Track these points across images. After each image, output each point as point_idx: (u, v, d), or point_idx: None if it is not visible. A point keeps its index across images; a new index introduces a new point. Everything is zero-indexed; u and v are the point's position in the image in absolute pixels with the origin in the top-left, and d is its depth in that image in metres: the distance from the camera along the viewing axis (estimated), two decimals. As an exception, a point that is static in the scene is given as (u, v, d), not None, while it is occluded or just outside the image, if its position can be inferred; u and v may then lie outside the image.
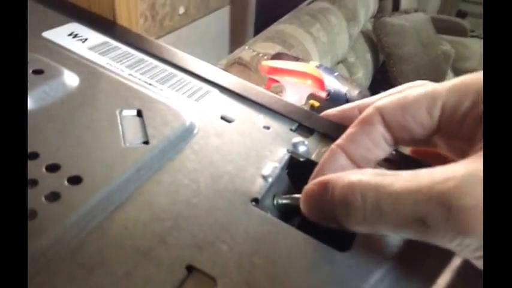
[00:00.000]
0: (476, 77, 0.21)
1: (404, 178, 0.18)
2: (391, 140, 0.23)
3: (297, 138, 0.28)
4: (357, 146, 0.22)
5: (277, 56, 0.75)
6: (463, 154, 0.20)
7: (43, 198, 0.19)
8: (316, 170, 0.23)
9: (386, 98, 0.23)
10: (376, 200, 0.18)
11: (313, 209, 0.21)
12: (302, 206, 0.22)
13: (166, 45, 0.34)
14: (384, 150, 0.23)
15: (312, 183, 0.21)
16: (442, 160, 0.22)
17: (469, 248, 0.17)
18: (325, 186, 0.20)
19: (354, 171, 0.20)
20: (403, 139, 0.23)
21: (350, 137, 0.23)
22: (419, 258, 0.22)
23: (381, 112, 0.22)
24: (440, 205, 0.17)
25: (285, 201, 0.25)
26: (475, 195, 0.16)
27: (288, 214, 0.25)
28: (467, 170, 0.17)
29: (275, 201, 0.25)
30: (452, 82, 0.21)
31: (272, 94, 0.32)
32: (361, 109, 0.27)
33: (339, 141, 0.23)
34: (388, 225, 0.19)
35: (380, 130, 0.22)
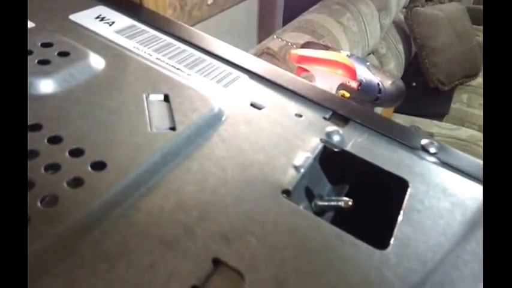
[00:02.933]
0: None
1: None
2: None
3: (331, 127, 0.26)
4: None
5: (306, 45, 0.73)
6: None
7: (65, 184, 0.19)
8: None
9: None
10: None
11: None
12: None
13: (195, 29, 0.33)
14: None
15: None
16: None
17: None
18: None
19: None
20: None
21: None
22: (464, 260, 0.20)
23: None
24: None
25: (325, 203, 0.24)
26: None
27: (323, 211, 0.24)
28: None
29: (313, 204, 0.24)
30: None
31: (305, 81, 0.30)
32: None
33: None
34: None
35: None
